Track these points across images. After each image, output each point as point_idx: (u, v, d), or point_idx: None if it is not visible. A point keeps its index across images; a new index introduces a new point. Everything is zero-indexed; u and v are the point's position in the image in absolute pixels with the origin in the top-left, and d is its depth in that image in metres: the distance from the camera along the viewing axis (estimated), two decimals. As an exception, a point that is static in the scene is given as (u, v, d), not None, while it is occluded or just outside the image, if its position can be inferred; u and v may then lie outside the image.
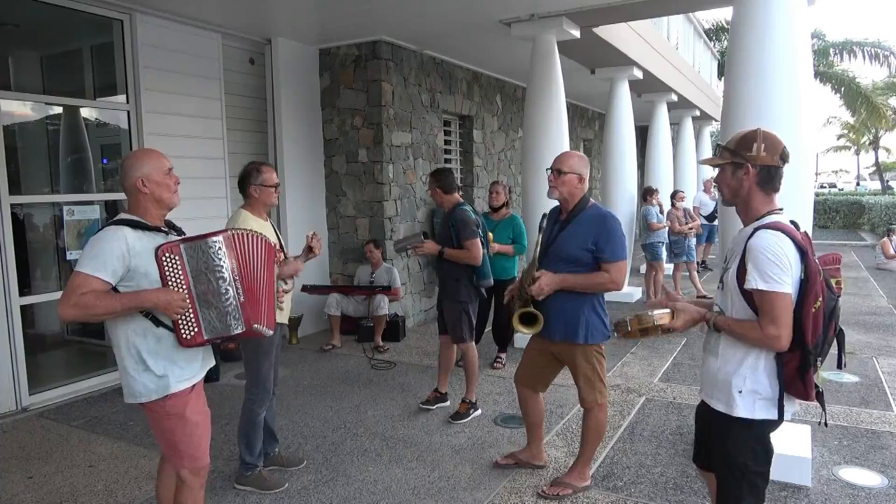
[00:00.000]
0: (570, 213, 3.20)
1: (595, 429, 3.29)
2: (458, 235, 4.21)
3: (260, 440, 3.49)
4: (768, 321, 1.96)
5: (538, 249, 3.23)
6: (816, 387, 2.05)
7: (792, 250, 1.96)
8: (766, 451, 2.11)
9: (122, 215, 2.32)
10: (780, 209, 2.11)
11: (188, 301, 2.27)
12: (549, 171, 3.22)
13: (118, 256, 2.19)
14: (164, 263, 2.24)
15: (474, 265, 4.25)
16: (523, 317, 3.16)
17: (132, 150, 5.31)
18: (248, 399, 3.43)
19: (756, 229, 2.03)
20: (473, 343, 4.42)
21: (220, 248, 2.31)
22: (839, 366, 2.13)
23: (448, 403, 4.62)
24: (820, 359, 2.03)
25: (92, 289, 2.15)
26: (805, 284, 1.95)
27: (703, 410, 2.26)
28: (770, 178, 2.09)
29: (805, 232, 2.09)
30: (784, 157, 2.10)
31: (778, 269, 1.93)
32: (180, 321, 2.28)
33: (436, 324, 7.58)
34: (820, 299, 1.96)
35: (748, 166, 2.07)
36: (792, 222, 2.09)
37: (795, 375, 2.01)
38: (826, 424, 2.21)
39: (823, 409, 2.13)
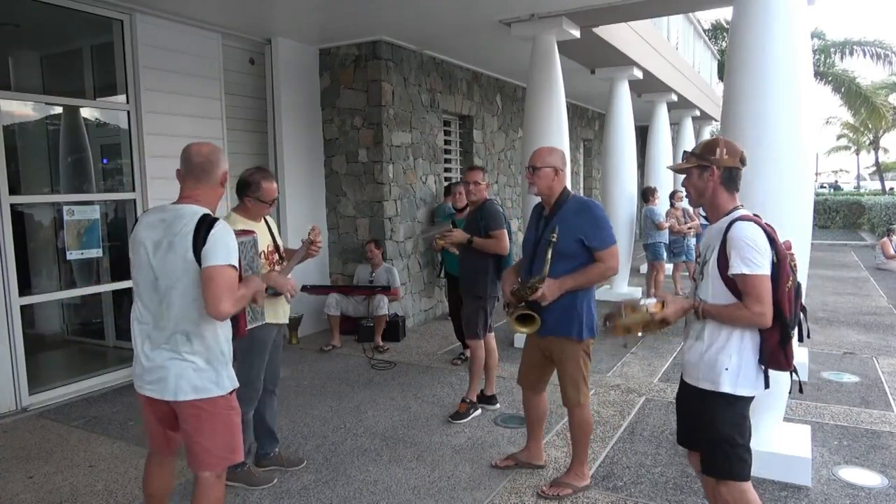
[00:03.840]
0: (552, 208, 3.21)
1: (581, 427, 3.29)
2: (487, 226, 4.26)
3: (248, 438, 3.52)
4: (753, 301, 2.18)
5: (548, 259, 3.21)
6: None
7: (764, 238, 2.20)
8: (746, 424, 2.33)
9: (203, 208, 2.35)
10: (741, 205, 2.37)
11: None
12: (527, 170, 3.26)
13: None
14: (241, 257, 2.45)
15: (502, 254, 4.28)
16: (521, 317, 3.17)
17: (133, 149, 5.30)
18: (235, 398, 3.43)
19: (732, 222, 2.26)
20: (483, 342, 4.42)
21: (257, 244, 2.65)
22: (800, 338, 2.33)
23: (497, 406, 4.59)
24: (793, 331, 2.27)
25: (235, 280, 2.29)
26: (777, 267, 2.20)
27: (686, 393, 2.45)
28: (732, 179, 2.35)
29: (767, 223, 2.31)
30: (743, 161, 2.35)
31: (757, 254, 2.18)
32: (248, 310, 2.52)
33: (435, 324, 7.63)
34: (791, 279, 2.22)
35: (713, 168, 2.32)
36: (755, 215, 2.32)
37: (777, 348, 2.24)
38: (801, 390, 2.43)
39: (796, 373, 2.34)
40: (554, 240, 3.09)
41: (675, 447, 3.87)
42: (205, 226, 2.24)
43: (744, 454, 2.30)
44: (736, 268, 2.19)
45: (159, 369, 2.32)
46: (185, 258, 2.23)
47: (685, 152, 2.45)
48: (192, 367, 2.30)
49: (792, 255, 2.31)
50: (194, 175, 2.35)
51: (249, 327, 2.57)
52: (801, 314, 2.32)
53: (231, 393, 2.42)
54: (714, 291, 2.30)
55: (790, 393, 2.37)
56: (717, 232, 2.31)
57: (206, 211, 2.32)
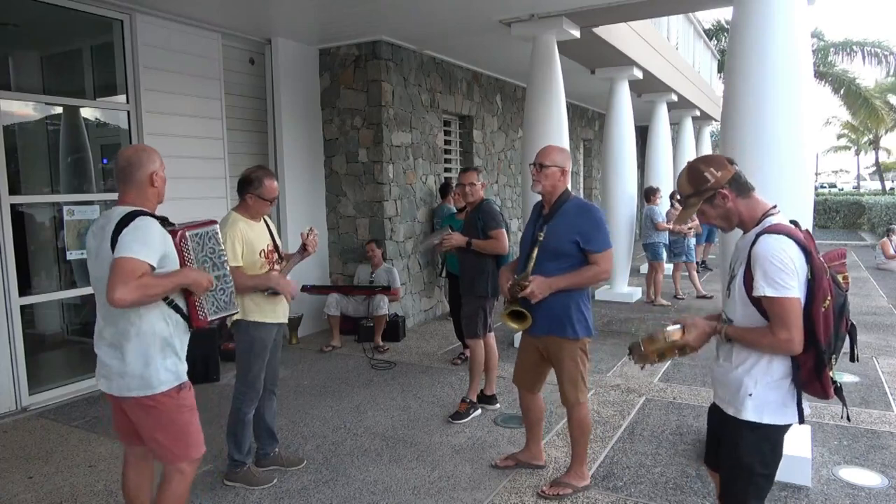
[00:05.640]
0: (552, 207, 3.22)
1: (580, 426, 3.29)
2: (485, 226, 4.26)
3: (248, 438, 3.52)
4: (779, 326, 1.96)
5: (533, 256, 3.21)
6: (834, 383, 2.05)
7: (796, 252, 1.96)
8: (775, 455, 2.13)
9: (134, 207, 2.36)
10: (775, 207, 2.11)
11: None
12: (532, 167, 3.25)
13: (160, 243, 2.29)
14: (182, 248, 2.40)
15: (501, 254, 4.28)
16: (512, 313, 3.18)
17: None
18: (235, 398, 3.46)
19: (758, 235, 2.03)
20: (482, 341, 4.43)
21: (218, 234, 2.57)
22: (852, 359, 2.14)
23: (497, 406, 4.60)
24: (834, 356, 2.03)
25: (144, 272, 2.22)
26: (812, 284, 1.95)
27: (715, 414, 2.27)
28: (742, 185, 2.11)
29: (807, 230, 2.09)
30: (731, 161, 2.13)
31: (784, 275, 1.93)
32: (197, 302, 2.43)
33: (435, 324, 7.63)
34: (829, 298, 1.96)
35: (719, 192, 2.09)
36: (792, 221, 2.10)
37: (812, 376, 2.01)
38: (849, 419, 2.19)
39: (844, 404, 2.14)
40: (540, 238, 3.13)
41: (675, 447, 3.87)
42: (123, 223, 2.27)
43: (761, 482, 2.12)
44: (760, 289, 1.96)
45: (105, 366, 2.39)
46: (110, 258, 2.26)
47: (678, 200, 2.25)
48: (131, 364, 2.34)
49: (842, 265, 2.10)
50: (119, 178, 2.41)
51: (212, 318, 2.49)
52: (850, 335, 2.08)
53: (178, 389, 2.41)
54: (742, 311, 2.09)
55: (841, 418, 2.22)
56: (745, 245, 2.08)
57: (134, 209, 2.33)
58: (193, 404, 2.48)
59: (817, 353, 1.98)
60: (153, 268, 2.26)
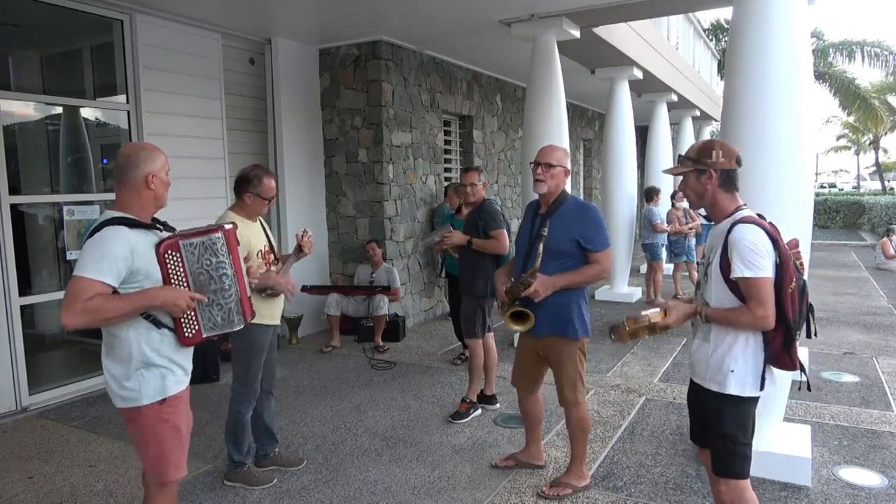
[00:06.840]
0: (550, 206, 3.22)
1: (579, 426, 3.29)
2: (486, 226, 4.27)
3: (247, 439, 3.52)
4: (756, 304, 2.18)
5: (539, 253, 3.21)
6: None
7: (766, 240, 2.20)
8: (752, 423, 2.35)
9: (114, 213, 2.21)
10: (745, 204, 2.36)
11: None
12: (536, 166, 3.22)
13: (122, 258, 2.11)
14: (167, 261, 2.21)
15: (501, 254, 4.29)
16: (514, 314, 3.17)
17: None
18: (233, 399, 3.45)
19: (733, 224, 2.25)
20: (482, 341, 4.42)
21: (222, 245, 2.30)
22: (808, 335, 2.36)
23: (497, 406, 4.60)
24: (798, 332, 2.28)
25: (97, 293, 2.07)
26: (780, 268, 2.20)
27: (695, 391, 2.46)
28: (730, 180, 2.34)
29: (771, 222, 2.30)
30: (738, 162, 2.35)
31: (759, 258, 2.17)
32: (182, 319, 2.25)
33: (435, 324, 7.63)
34: (794, 280, 2.22)
35: (710, 171, 2.32)
36: (759, 215, 2.31)
37: (781, 350, 2.25)
38: (809, 388, 2.48)
39: (804, 372, 2.36)
40: (544, 234, 3.11)
41: (675, 447, 3.87)
42: (91, 234, 2.12)
43: (745, 451, 2.33)
44: (738, 271, 2.18)
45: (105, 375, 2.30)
46: None
47: (680, 156, 2.45)
48: (114, 376, 2.24)
49: (798, 253, 2.31)
50: (115, 177, 2.25)
51: (208, 335, 2.32)
52: (809, 313, 2.32)
53: (161, 402, 2.26)
54: (717, 294, 2.30)
55: (798, 390, 2.38)
56: (720, 234, 2.30)
57: (111, 216, 2.18)
58: (177, 422, 2.32)
59: (786, 329, 2.22)
60: (114, 287, 2.10)
